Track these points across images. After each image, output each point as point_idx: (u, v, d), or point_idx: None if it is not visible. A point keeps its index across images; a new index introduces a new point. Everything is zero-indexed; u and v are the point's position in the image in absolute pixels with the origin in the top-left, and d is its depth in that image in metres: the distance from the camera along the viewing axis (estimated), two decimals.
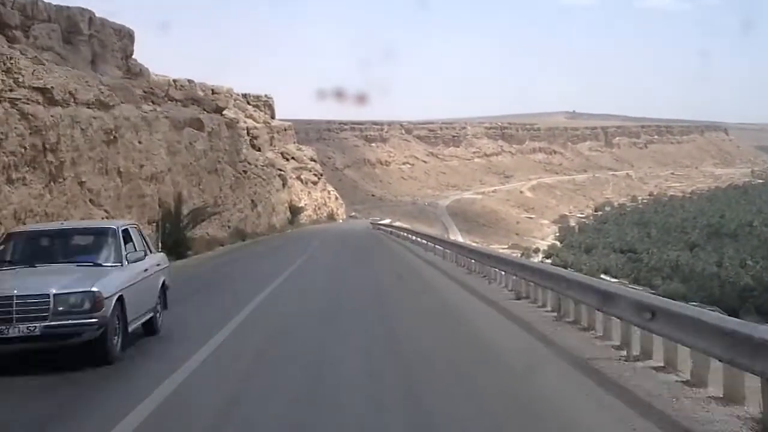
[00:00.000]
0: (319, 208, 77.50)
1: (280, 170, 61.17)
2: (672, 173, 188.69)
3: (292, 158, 72.84)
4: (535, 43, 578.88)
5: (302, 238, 41.37)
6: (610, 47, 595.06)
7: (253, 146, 59.49)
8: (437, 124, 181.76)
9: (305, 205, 68.35)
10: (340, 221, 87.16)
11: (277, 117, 79.16)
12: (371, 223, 68.06)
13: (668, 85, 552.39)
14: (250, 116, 65.49)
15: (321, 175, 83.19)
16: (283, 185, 59.23)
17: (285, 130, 76.83)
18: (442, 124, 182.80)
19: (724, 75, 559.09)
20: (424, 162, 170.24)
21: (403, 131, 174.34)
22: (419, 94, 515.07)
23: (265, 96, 79.82)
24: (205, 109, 35.93)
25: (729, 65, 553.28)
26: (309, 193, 72.79)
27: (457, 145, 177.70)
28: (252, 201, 43.23)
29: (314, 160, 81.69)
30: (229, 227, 35.68)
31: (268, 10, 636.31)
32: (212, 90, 59.60)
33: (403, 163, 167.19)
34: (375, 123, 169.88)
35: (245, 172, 42.60)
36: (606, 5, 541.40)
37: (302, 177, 72.21)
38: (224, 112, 42.32)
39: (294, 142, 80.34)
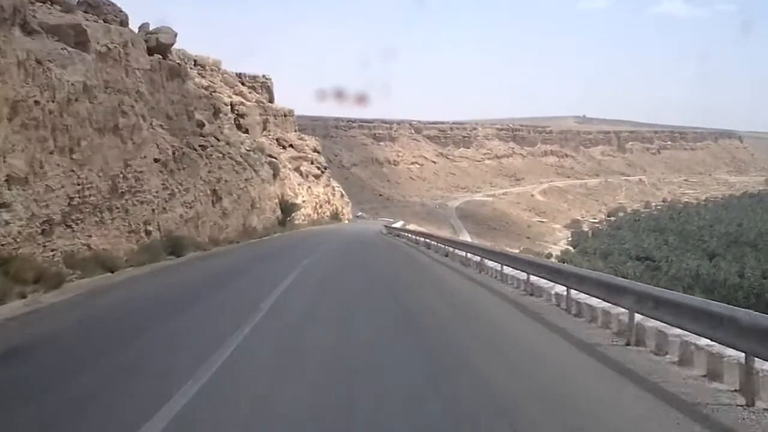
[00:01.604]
0: (320, 206, 61.09)
1: (272, 157, 44.53)
2: (685, 180, 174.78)
3: (290, 146, 56.35)
4: (545, 47, 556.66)
5: (284, 252, 24.43)
6: (621, 52, 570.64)
7: (239, 126, 43.49)
8: (447, 125, 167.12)
9: (303, 201, 51.98)
10: (346, 222, 71.55)
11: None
12: (385, 227, 51.28)
13: (679, 91, 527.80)
14: (240, 93, 49.12)
15: (325, 168, 66.98)
16: (274, 176, 42.65)
17: (285, 116, 60.88)
18: (453, 124, 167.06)
19: (736, 83, 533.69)
20: (434, 162, 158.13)
21: (413, 131, 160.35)
22: (428, 96, 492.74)
23: (263, 77, 63.99)
24: (106, 20, 18.98)
25: (741, 73, 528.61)
26: (309, 188, 56.47)
27: (467, 146, 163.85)
28: (214, 191, 26.33)
29: (318, 152, 65.64)
30: (148, 232, 18.94)
31: (275, 6, 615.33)
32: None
33: (412, 163, 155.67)
34: (384, 121, 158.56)
35: (203, 147, 25.73)
36: (617, 11, 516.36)
37: (302, 169, 55.78)
38: (171, 56, 25.31)
39: (295, 131, 63.87)
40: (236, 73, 61.75)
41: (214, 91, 41.38)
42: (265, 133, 53.89)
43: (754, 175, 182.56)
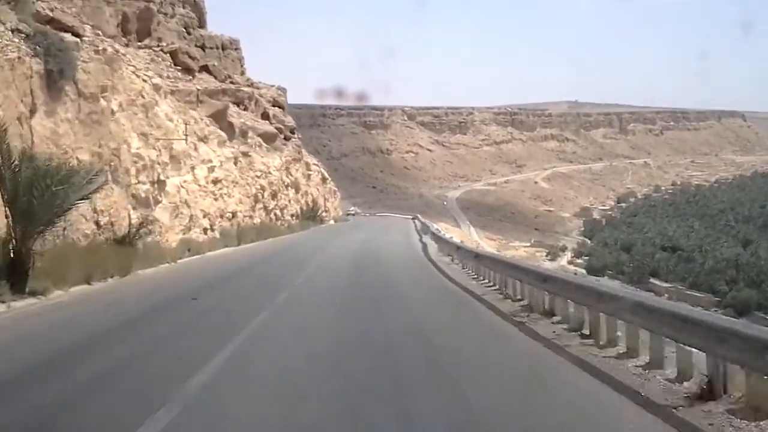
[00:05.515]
0: (273, 195, 34.37)
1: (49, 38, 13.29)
2: (692, 161, 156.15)
3: (206, 70, 29.42)
4: (535, 33, 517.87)
5: None
6: (611, 38, 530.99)
7: None
8: (442, 110, 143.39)
9: (218, 181, 24.78)
10: (331, 222, 44.77)
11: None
12: (447, 243, 23.63)
13: (673, 74, 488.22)
14: None
15: (292, 132, 40.24)
16: (51, 83, 11.69)
17: (221, 47, 34.61)
18: (448, 109, 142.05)
19: (733, 65, 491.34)
20: (429, 150, 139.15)
21: (406, 117, 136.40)
22: (420, 83, 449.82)
23: None
24: None
25: (741, 54, 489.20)
26: (244, 156, 29.51)
27: (464, 132, 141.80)
28: None
29: (281, 107, 38.62)
30: None
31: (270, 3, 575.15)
32: None
33: (407, 152, 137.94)
34: (375, 108, 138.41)
35: None
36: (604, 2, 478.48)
37: (232, 120, 28.55)
38: None
39: (242, 73, 37.32)
40: None
41: None
42: (147, 40, 27.71)
43: (760, 155, 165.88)
